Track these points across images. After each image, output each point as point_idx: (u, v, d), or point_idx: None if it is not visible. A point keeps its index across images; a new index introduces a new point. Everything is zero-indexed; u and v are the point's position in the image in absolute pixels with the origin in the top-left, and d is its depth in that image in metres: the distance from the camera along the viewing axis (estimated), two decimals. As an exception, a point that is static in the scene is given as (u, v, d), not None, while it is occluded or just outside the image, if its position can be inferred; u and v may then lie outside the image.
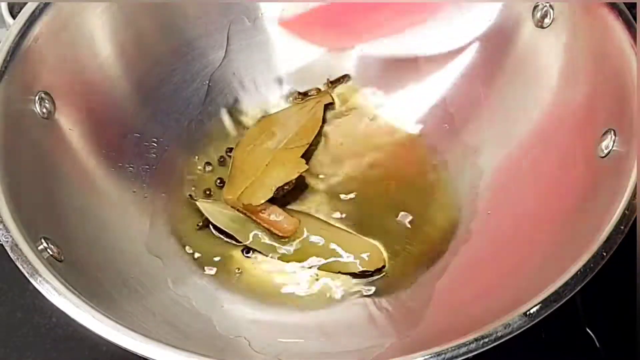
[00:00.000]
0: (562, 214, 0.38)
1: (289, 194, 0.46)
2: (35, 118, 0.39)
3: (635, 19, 0.38)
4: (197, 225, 0.45)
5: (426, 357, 0.29)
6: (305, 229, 0.44)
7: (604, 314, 0.43)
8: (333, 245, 0.44)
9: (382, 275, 0.43)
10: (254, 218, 0.45)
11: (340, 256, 0.44)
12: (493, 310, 0.33)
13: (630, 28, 0.37)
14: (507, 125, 0.45)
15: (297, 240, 0.44)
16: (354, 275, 0.43)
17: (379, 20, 0.49)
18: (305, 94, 0.51)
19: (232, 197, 0.45)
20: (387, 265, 0.43)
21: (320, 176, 0.47)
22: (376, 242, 0.44)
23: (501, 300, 0.35)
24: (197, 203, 0.45)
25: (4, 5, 0.51)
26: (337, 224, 0.45)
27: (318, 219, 0.45)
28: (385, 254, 0.44)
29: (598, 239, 0.32)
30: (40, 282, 0.31)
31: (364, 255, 0.43)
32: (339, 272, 0.43)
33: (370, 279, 0.43)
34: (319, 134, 0.49)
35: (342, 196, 0.47)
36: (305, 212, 0.46)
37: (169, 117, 0.48)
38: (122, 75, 0.46)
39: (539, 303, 0.30)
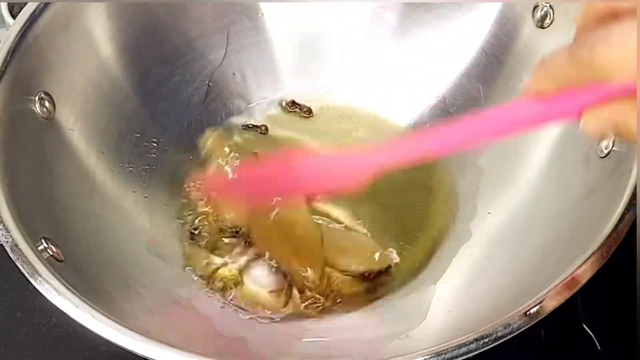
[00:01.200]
0: (562, 214, 0.38)
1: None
2: (35, 118, 0.39)
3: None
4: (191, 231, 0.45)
5: (426, 357, 0.29)
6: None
7: (604, 314, 0.43)
8: (339, 242, 0.44)
9: (387, 276, 0.43)
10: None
11: (346, 254, 0.44)
12: (493, 310, 0.33)
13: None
14: (507, 125, 0.45)
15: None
16: (360, 275, 0.43)
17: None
18: (298, 105, 0.51)
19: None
20: (392, 266, 0.43)
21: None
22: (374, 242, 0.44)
23: (501, 300, 0.35)
24: None
25: (4, 5, 0.51)
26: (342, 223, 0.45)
27: (325, 215, 0.46)
28: (394, 256, 0.44)
29: (598, 238, 0.32)
30: (40, 282, 0.31)
31: (370, 256, 0.44)
32: (344, 271, 0.43)
33: (371, 278, 0.43)
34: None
35: (342, 197, 0.47)
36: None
37: (169, 117, 0.48)
38: (122, 75, 0.46)
39: (539, 303, 0.30)
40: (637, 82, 0.24)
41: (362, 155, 0.34)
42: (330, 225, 0.45)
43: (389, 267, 0.43)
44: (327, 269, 0.43)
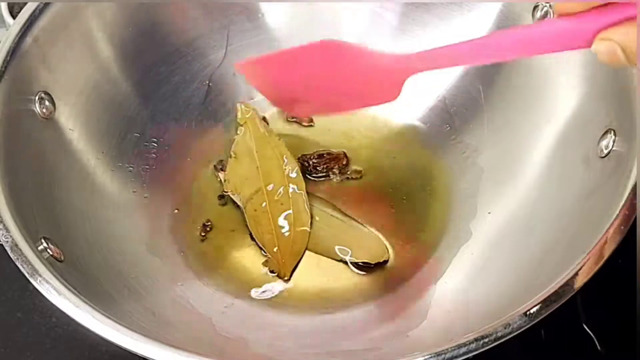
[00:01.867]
0: (562, 214, 0.38)
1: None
2: (35, 118, 0.39)
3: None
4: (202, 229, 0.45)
5: (426, 357, 0.29)
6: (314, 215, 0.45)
7: (604, 314, 0.43)
8: (338, 234, 0.44)
9: (384, 269, 0.43)
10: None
11: (344, 246, 0.44)
12: (493, 310, 0.33)
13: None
14: (507, 125, 0.45)
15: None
16: (356, 266, 0.43)
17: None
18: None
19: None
20: (389, 260, 0.43)
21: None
22: (381, 237, 0.44)
23: (501, 300, 0.35)
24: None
25: (4, 5, 0.51)
26: (344, 217, 0.46)
27: (327, 204, 0.46)
28: (390, 249, 0.44)
29: (598, 239, 0.32)
30: (40, 282, 0.31)
31: (368, 248, 0.44)
32: (341, 261, 0.43)
33: (372, 276, 0.43)
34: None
35: (343, 196, 0.47)
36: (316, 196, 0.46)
37: (169, 117, 0.48)
38: (122, 75, 0.46)
39: (539, 303, 0.30)
40: (637, 72, 0.24)
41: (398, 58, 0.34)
42: (332, 215, 0.45)
43: (387, 261, 0.43)
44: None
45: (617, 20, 0.26)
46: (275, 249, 0.44)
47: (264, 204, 0.45)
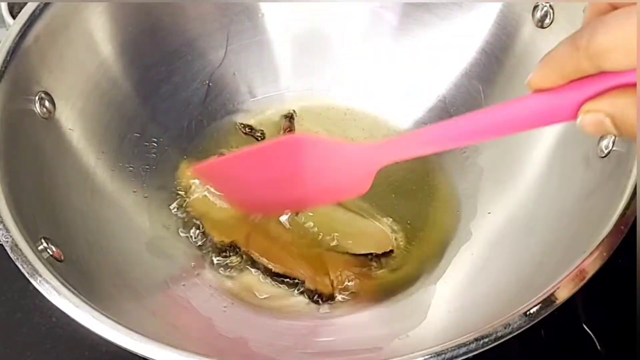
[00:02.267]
0: (562, 214, 0.38)
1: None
2: (35, 118, 0.39)
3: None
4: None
5: (426, 357, 0.29)
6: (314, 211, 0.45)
7: (604, 314, 0.43)
8: (341, 227, 0.44)
9: (390, 259, 0.43)
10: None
11: (349, 238, 0.44)
12: (493, 310, 0.33)
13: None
14: (507, 125, 0.45)
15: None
16: (363, 257, 0.43)
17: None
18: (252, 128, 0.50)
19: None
20: (395, 249, 0.44)
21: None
22: (384, 228, 0.45)
23: (501, 300, 0.35)
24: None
25: (4, 5, 0.51)
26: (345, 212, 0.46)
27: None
28: (393, 239, 0.44)
29: (598, 239, 0.32)
30: (40, 282, 0.31)
31: (373, 239, 0.44)
32: (346, 253, 0.43)
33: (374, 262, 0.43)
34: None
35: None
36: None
37: (169, 117, 0.48)
38: (122, 75, 0.46)
39: (539, 303, 0.30)
40: (637, 82, 0.24)
41: (368, 148, 0.32)
42: (332, 211, 0.45)
43: (392, 250, 0.44)
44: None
45: (599, 91, 0.25)
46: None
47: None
